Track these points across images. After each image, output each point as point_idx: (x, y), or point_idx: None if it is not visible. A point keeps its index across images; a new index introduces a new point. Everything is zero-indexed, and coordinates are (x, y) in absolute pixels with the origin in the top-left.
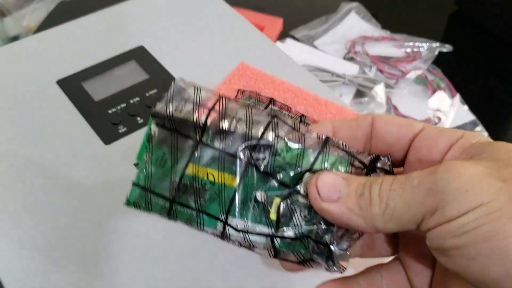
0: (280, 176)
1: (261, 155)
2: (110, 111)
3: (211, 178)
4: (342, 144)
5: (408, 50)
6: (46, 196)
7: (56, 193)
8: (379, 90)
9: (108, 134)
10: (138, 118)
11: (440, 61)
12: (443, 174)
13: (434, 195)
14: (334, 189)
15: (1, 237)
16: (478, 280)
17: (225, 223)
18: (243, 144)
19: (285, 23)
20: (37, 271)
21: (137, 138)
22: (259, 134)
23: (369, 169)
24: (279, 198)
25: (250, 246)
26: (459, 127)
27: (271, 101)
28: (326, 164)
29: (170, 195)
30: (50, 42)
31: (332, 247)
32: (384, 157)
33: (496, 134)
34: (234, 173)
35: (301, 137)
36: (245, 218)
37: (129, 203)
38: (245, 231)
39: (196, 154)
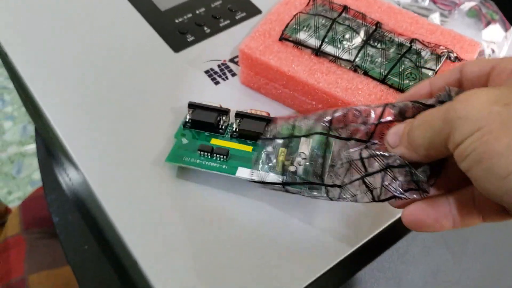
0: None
1: (339, 125)
2: (177, 21)
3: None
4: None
5: None
6: (118, 104)
7: (128, 99)
8: (435, 19)
9: (177, 43)
10: (205, 28)
11: None
12: (456, 103)
13: (447, 123)
14: (396, 137)
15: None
16: (492, 199)
17: (324, 185)
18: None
19: None
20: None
21: (205, 46)
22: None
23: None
24: (360, 151)
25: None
26: None
27: (345, 8)
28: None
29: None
30: None
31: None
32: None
33: None
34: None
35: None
36: (339, 175)
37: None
38: (342, 185)
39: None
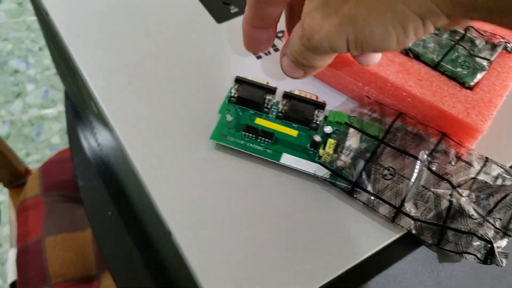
0: (451, 179)
1: (435, 160)
2: None
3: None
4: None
5: None
6: (159, 72)
7: (169, 69)
8: None
9: (220, 13)
10: None
11: None
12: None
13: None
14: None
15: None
16: None
17: (399, 210)
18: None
19: None
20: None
21: None
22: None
23: None
24: (449, 196)
25: (419, 233)
26: None
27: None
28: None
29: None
30: None
31: (494, 244)
32: None
33: None
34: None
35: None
36: (418, 208)
37: (213, 138)
38: (417, 219)
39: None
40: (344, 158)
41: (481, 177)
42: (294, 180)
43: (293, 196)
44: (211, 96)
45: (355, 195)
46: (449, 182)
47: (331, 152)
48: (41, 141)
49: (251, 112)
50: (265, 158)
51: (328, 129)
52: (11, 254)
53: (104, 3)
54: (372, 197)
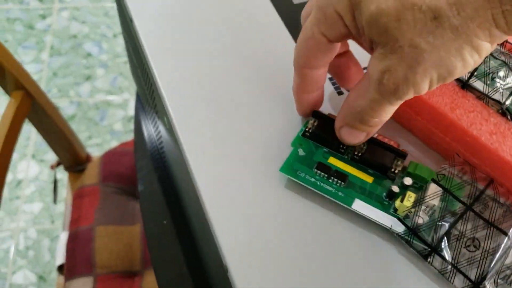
0: None
1: None
2: None
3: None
4: None
5: None
6: (234, 92)
7: (245, 90)
8: None
9: None
10: None
11: None
12: None
13: None
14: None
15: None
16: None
17: (477, 285)
18: None
19: None
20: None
21: None
22: None
23: None
24: None
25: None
26: None
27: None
28: None
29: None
30: None
31: None
32: None
33: None
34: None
35: None
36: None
37: (283, 170)
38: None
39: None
40: (423, 216)
41: None
42: (363, 230)
43: (360, 248)
44: (286, 127)
45: (429, 260)
46: None
47: (409, 206)
48: (104, 126)
49: (325, 150)
50: (335, 200)
51: (407, 180)
52: (63, 237)
53: (189, 20)
54: (450, 266)
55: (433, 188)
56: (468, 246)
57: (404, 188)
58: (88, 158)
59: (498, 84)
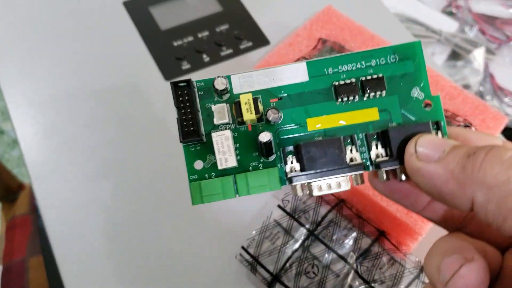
0: (376, 286)
1: (365, 264)
2: (175, 44)
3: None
4: None
5: None
6: (100, 122)
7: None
8: (478, 55)
9: (170, 69)
10: (204, 56)
11: None
12: None
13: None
14: (438, 148)
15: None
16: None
17: None
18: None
19: None
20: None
21: (200, 77)
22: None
23: None
24: None
25: None
26: None
27: None
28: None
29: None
30: None
31: None
32: None
33: None
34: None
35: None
36: None
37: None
38: None
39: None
40: (267, 243)
41: None
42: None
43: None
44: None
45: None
46: None
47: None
48: None
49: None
50: None
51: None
52: None
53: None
54: None
55: (277, 214)
56: (308, 272)
57: None
58: (20, 187)
59: None
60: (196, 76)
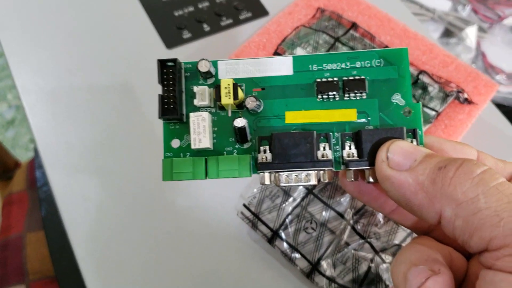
0: (374, 243)
1: (361, 221)
2: (176, 14)
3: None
4: None
5: None
6: (99, 91)
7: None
8: (470, 33)
9: (172, 38)
10: (205, 26)
11: None
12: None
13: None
14: (409, 156)
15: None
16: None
17: (314, 266)
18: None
19: None
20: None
21: (200, 46)
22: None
23: None
24: (369, 260)
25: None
26: None
27: (353, 25)
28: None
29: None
30: None
31: None
32: None
33: None
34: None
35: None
36: (335, 267)
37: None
38: (333, 280)
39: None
40: (267, 202)
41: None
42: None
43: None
44: (151, 128)
45: (275, 243)
46: (372, 246)
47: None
48: None
49: None
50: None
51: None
52: None
53: (52, 22)
54: (290, 248)
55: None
56: (307, 228)
57: None
58: (17, 165)
59: None
60: (197, 45)
